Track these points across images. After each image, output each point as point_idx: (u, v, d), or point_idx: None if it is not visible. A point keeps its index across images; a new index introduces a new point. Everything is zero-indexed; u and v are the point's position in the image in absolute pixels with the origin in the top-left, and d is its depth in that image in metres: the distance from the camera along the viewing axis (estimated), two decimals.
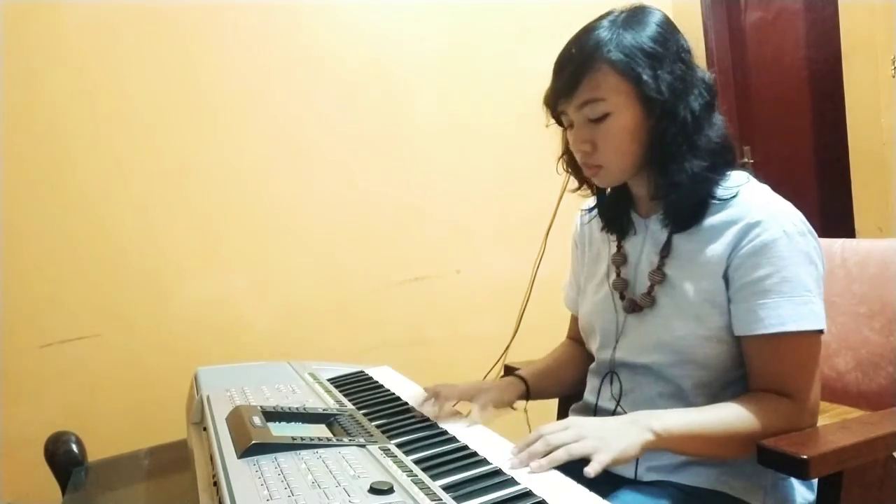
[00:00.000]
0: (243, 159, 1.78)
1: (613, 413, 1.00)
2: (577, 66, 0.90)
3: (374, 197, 1.93)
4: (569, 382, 1.18)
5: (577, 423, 0.84)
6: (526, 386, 1.11)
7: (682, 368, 0.94)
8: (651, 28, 0.90)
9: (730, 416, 0.86)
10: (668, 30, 0.91)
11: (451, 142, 2.03)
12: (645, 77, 0.87)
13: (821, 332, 0.88)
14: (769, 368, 0.89)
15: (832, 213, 2.25)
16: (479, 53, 2.05)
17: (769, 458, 0.82)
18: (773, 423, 0.86)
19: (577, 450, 0.79)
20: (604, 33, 0.89)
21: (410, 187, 1.98)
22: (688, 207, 0.93)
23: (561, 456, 0.79)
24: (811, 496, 0.95)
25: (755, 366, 0.91)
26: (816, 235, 0.91)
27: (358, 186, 1.91)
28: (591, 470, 0.77)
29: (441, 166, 2.02)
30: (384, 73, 1.94)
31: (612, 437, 0.81)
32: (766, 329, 0.87)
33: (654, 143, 0.90)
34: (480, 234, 2.06)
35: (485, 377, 2.03)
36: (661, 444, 0.84)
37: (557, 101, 0.94)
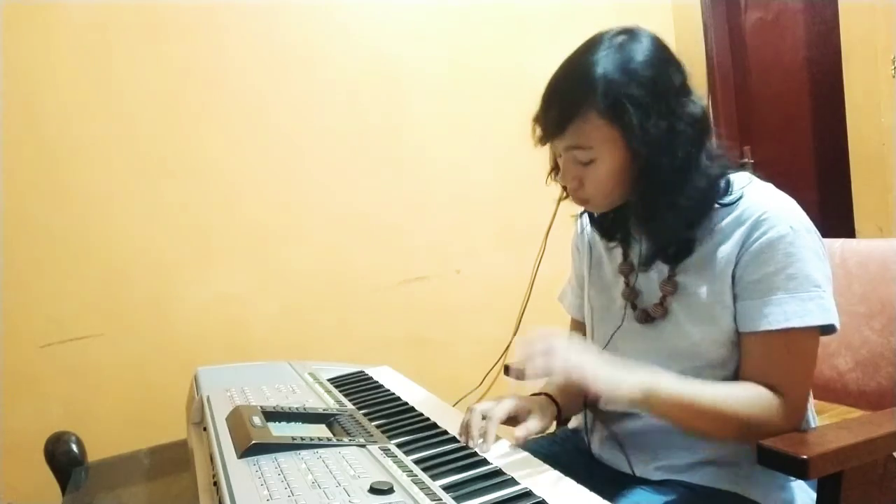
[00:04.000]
0: (244, 159, 1.78)
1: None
2: (565, 108, 0.88)
3: (374, 197, 1.93)
4: (581, 397, 1.11)
5: (577, 347, 0.88)
6: (558, 409, 1.05)
7: (697, 374, 0.93)
8: (641, 65, 0.86)
9: (720, 394, 0.87)
10: (660, 61, 0.88)
11: (452, 142, 2.03)
12: (634, 123, 0.85)
13: (830, 328, 0.87)
14: (764, 365, 0.89)
15: (832, 213, 2.24)
16: (479, 54, 2.05)
17: (769, 458, 0.81)
18: (758, 415, 0.85)
19: (576, 370, 0.83)
20: (593, 70, 0.87)
21: (410, 187, 1.98)
22: (673, 245, 0.93)
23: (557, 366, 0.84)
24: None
25: (751, 363, 0.90)
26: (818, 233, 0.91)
27: (358, 186, 1.91)
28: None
29: (441, 167, 2.02)
30: (385, 74, 1.94)
31: (606, 372, 0.85)
32: (769, 325, 0.86)
33: (639, 184, 0.90)
34: (480, 234, 2.06)
35: (484, 377, 2.04)
36: (647, 404, 0.86)
37: (545, 134, 0.93)
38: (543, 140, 0.94)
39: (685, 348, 0.93)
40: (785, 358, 0.88)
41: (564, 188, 1.02)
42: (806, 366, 0.89)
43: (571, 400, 1.08)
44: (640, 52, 0.87)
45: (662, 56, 0.90)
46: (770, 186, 0.94)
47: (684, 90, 0.90)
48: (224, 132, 1.76)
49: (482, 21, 2.06)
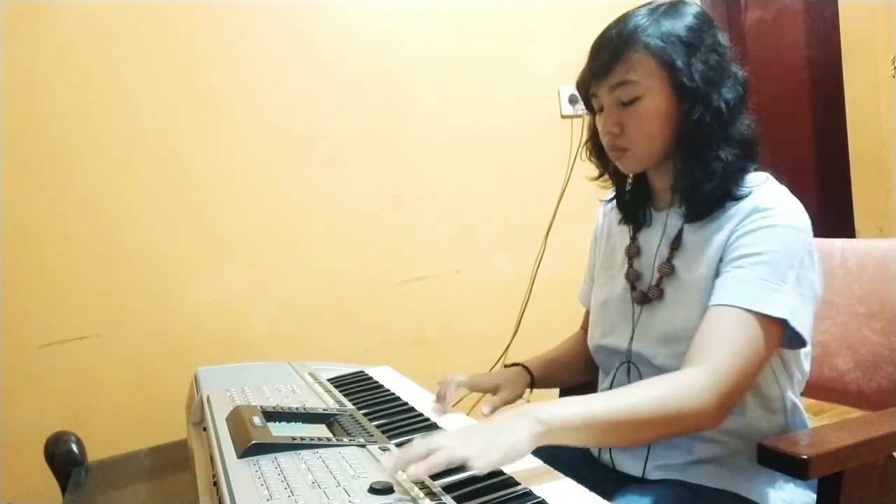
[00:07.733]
0: (243, 159, 1.78)
1: None
2: (614, 48, 0.92)
3: (375, 197, 1.93)
4: (576, 371, 1.20)
5: (466, 428, 0.80)
6: (531, 377, 1.15)
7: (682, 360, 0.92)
8: (688, 19, 0.92)
9: (632, 399, 0.82)
10: (706, 23, 0.94)
11: (452, 142, 2.03)
12: (679, 63, 0.89)
13: (798, 338, 0.85)
14: (701, 335, 0.85)
15: (832, 213, 2.25)
16: (480, 54, 2.05)
17: (769, 457, 0.82)
18: (674, 395, 0.81)
19: (459, 452, 0.72)
20: (642, 20, 0.92)
21: (411, 187, 1.98)
22: (712, 198, 0.92)
23: (439, 460, 0.71)
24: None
25: (695, 336, 0.86)
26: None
27: (358, 186, 1.91)
28: (475, 469, 0.71)
29: (441, 166, 2.02)
30: (385, 74, 1.94)
31: (498, 435, 0.76)
32: (718, 300, 0.85)
33: (688, 131, 0.91)
34: (480, 234, 2.06)
35: None
36: (552, 435, 0.78)
37: (591, 82, 0.95)
38: (588, 82, 0.96)
39: (670, 332, 0.94)
40: (722, 331, 0.84)
41: (594, 159, 1.06)
42: (741, 346, 0.84)
43: (552, 371, 1.18)
44: (688, 9, 0.94)
45: (709, 19, 0.96)
46: (784, 189, 0.94)
47: (728, 53, 0.94)
48: (223, 132, 1.76)
49: (484, 21, 2.05)
